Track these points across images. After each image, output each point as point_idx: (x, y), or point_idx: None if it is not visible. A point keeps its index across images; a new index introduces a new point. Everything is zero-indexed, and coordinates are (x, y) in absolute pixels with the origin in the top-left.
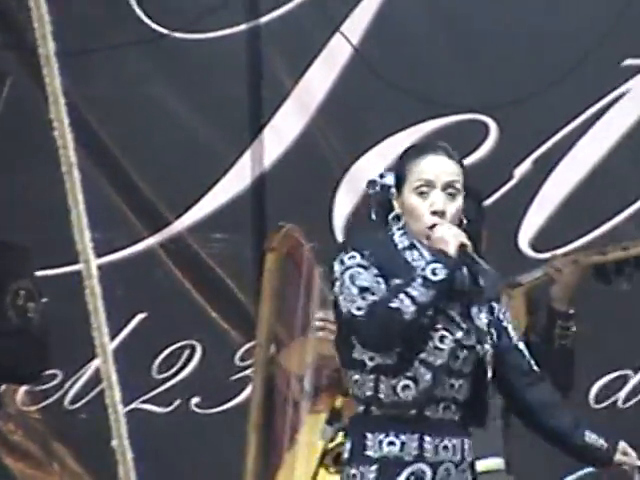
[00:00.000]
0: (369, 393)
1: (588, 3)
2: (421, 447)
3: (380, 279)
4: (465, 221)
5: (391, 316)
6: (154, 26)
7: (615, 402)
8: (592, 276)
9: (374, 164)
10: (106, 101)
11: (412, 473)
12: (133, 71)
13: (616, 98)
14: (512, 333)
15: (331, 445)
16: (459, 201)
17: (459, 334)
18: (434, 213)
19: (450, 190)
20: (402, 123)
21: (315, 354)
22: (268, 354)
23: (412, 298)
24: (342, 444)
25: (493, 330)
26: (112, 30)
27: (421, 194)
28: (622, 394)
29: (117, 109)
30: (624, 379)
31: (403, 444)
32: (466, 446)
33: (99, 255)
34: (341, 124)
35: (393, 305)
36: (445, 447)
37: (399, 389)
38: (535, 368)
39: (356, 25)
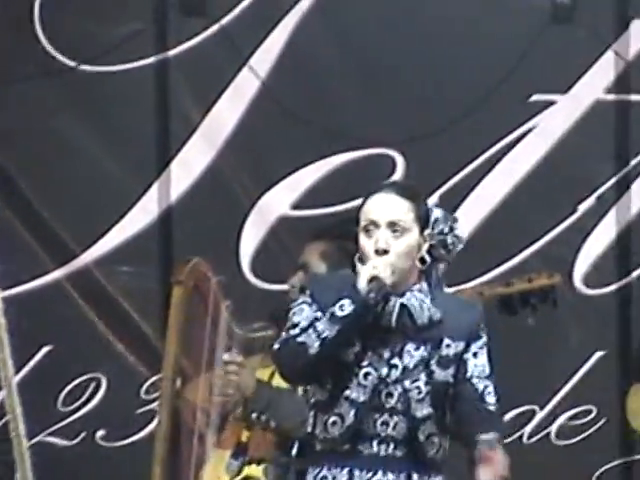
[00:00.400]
0: (309, 429)
1: (496, 39)
2: None
3: (320, 315)
4: (428, 259)
5: (297, 349)
6: (61, 58)
7: (520, 437)
8: (498, 308)
9: (282, 197)
10: (12, 133)
11: None
12: (40, 104)
13: (523, 134)
14: (469, 369)
15: (236, 479)
16: (407, 238)
17: (384, 371)
18: (376, 252)
19: (395, 228)
20: (311, 157)
21: (221, 387)
22: (174, 388)
23: (317, 333)
24: (247, 478)
25: (434, 365)
26: (19, 62)
27: (367, 232)
28: (527, 429)
29: (24, 141)
30: (530, 414)
31: (334, 478)
32: None
33: (4, 287)
34: (249, 157)
35: (299, 339)
36: None
37: (329, 425)
38: (486, 406)
39: (264, 59)
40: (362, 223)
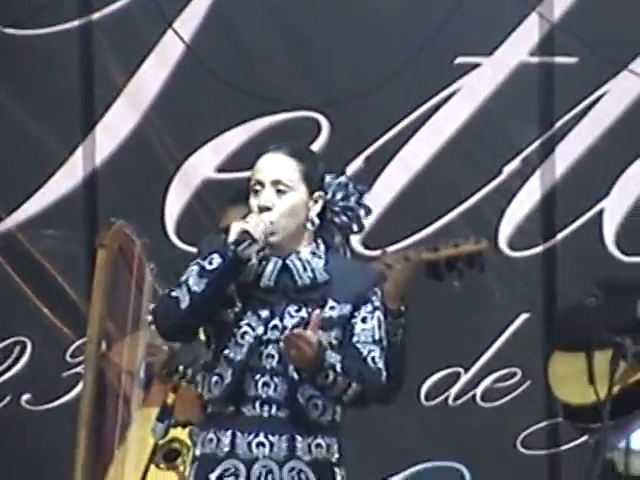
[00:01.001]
0: (199, 389)
1: (421, 1)
2: (233, 443)
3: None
4: (317, 221)
5: (169, 304)
6: None
7: (446, 400)
8: (424, 273)
9: (207, 160)
10: None
11: (226, 470)
12: None
13: (447, 97)
14: (355, 333)
15: (162, 442)
16: (292, 196)
17: (260, 330)
18: (259, 209)
19: (279, 187)
20: (235, 120)
21: (146, 348)
22: (99, 351)
23: (188, 287)
24: (173, 440)
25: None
26: None
27: (255, 192)
28: (453, 391)
29: None
30: (455, 377)
31: (219, 440)
32: (299, 444)
33: None
34: (174, 121)
35: (173, 294)
36: (260, 444)
37: (212, 385)
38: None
39: (188, 21)
40: (251, 184)
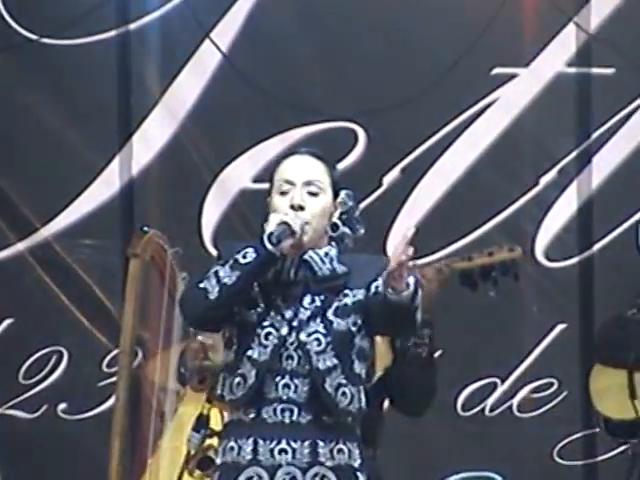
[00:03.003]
0: (219, 391)
1: (458, 12)
2: (255, 451)
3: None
4: (341, 226)
5: (198, 295)
6: (23, 32)
7: (483, 410)
8: (459, 282)
9: (243, 170)
10: None
11: (249, 477)
12: (2, 77)
13: (484, 107)
14: (373, 288)
15: (191, 447)
16: (323, 199)
17: (284, 330)
18: (292, 207)
19: (311, 188)
20: (272, 130)
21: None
22: (131, 361)
23: (218, 279)
24: (206, 448)
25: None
26: None
27: (282, 193)
28: (489, 402)
29: None
30: (492, 387)
31: (240, 448)
32: (321, 450)
33: None
34: (210, 130)
35: (201, 285)
36: (283, 450)
37: (234, 386)
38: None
39: (226, 32)
40: (277, 184)
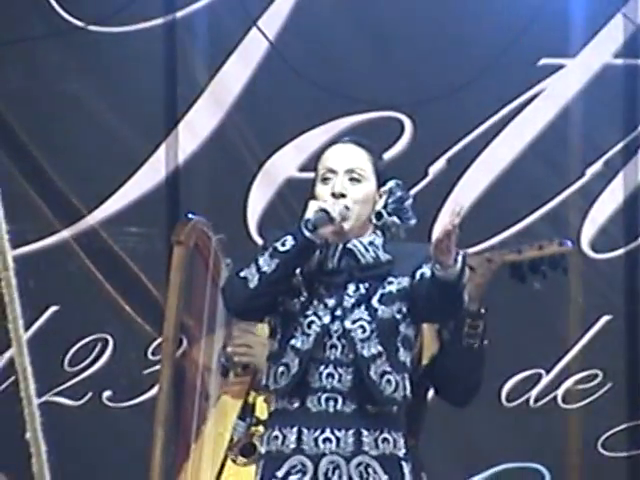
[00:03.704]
0: (264, 381)
1: (505, 2)
2: (299, 440)
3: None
4: (385, 215)
5: (238, 283)
6: (69, 19)
7: (527, 401)
8: (508, 275)
9: (289, 159)
10: (20, 94)
11: (293, 466)
12: (48, 64)
13: (531, 98)
14: (418, 275)
15: (236, 435)
16: (365, 186)
17: (327, 319)
18: (333, 195)
19: (353, 175)
20: (318, 119)
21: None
22: (175, 348)
23: (258, 267)
24: (252, 435)
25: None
26: (26, 22)
27: (325, 180)
28: (534, 393)
29: (31, 102)
30: (537, 378)
31: (284, 437)
32: (365, 439)
33: (13, 247)
34: (256, 119)
35: (242, 274)
36: (327, 439)
37: (278, 375)
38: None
39: (273, 20)
40: (320, 172)
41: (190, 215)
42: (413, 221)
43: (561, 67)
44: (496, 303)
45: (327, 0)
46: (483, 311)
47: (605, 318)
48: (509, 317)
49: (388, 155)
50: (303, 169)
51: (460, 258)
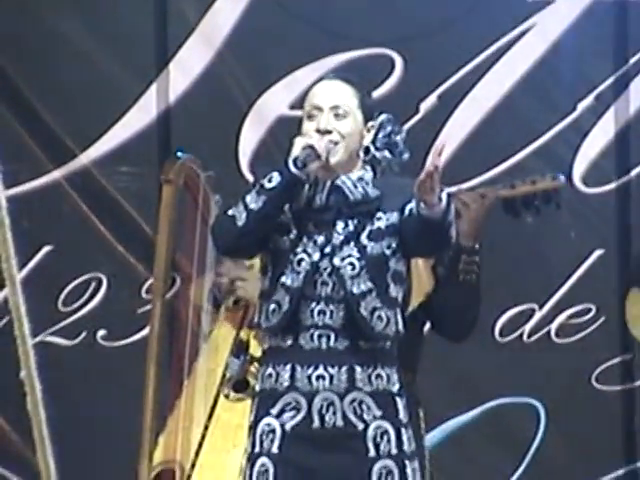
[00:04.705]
0: (256, 319)
1: None
2: (292, 377)
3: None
4: (372, 149)
5: (226, 222)
6: None
7: (520, 336)
8: (500, 209)
9: (280, 97)
10: (10, 35)
11: (287, 404)
12: (38, 3)
13: (521, 34)
14: (407, 210)
15: (229, 372)
16: (351, 121)
17: (316, 256)
18: (318, 131)
19: (338, 111)
20: (309, 57)
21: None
22: (166, 287)
23: (245, 205)
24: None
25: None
26: None
27: (311, 117)
28: (527, 328)
29: (23, 43)
30: (530, 313)
31: (278, 375)
32: (358, 375)
33: (5, 187)
34: (247, 58)
35: (230, 212)
36: (320, 376)
37: (269, 313)
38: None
39: None
40: (306, 109)
41: (179, 153)
42: (406, 155)
43: (551, 2)
44: (488, 238)
45: None
46: (478, 247)
47: (597, 252)
48: (501, 252)
49: (379, 92)
50: (294, 107)
51: (444, 196)
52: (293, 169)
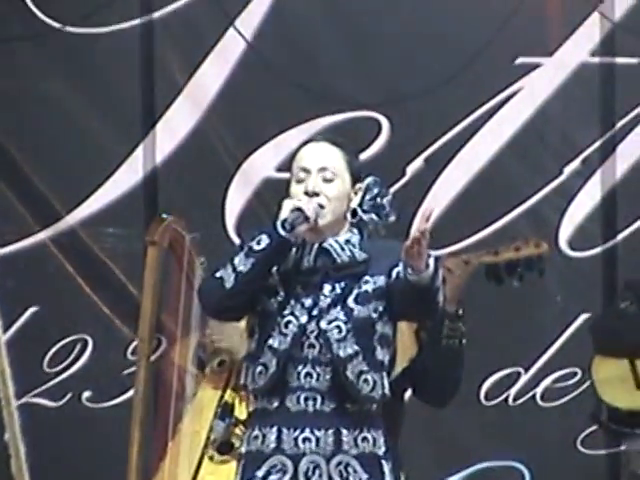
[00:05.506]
0: (242, 380)
1: (482, 1)
2: (279, 440)
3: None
4: (360, 212)
5: (214, 284)
6: (47, 20)
7: (506, 399)
8: (484, 275)
9: (267, 159)
10: None
11: (273, 466)
12: (25, 65)
13: (508, 97)
14: (395, 274)
15: (214, 435)
16: (339, 184)
17: (304, 319)
18: (306, 194)
19: (326, 174)
20: (295, 119)
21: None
22: (150, 348)
23: (233, 267)
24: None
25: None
26: (4, 23)
27: (299, 181)
28: (512, 391)
29: (9, 103)
30: (515, 376)
31: (264, 437)
32: (345, 438)
33: None
34: (234, 119)
35: (218, 274)
36: (307, 439)
37: (256, 375)
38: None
39: (250, 20)
40: (294, 172)
41: (164, 215)
42: (392, 218)
43: (538, 66)
44: (474, 301)
45: (303, 0)
46: (461, 312)
47: (583, 316)
48: (487, 315)
49: (366, 154)
50: (280, 169)
51: (432, 262)
52: (282, 231)
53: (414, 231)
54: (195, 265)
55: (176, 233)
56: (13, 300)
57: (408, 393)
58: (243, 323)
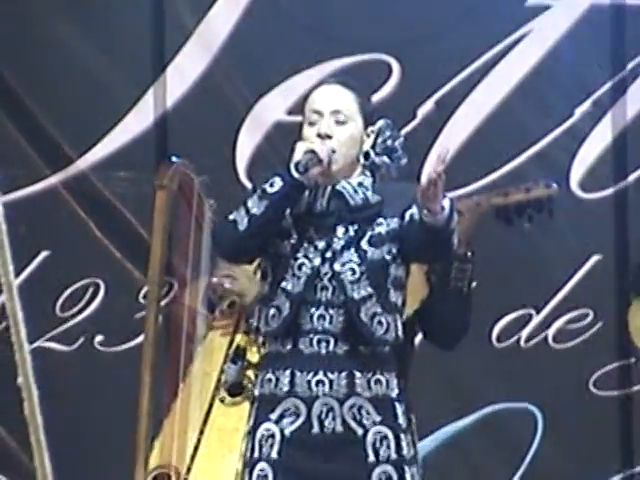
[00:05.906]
0: (255, 323)
1: None
2: (292, 383)
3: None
4: (372, 154)
5: (228, 227)
6: None
7: (518, 341)
8: (494, 217)
9: (277, 102)
10: (7, 39)
11: (286, 409)
12: (36, 10)
13: (518, 39)
14: (407, 216)
15: (226, 377)
16: (351, 127)
17: (317, 261)
18: (319, 136)
19: (339, 117)
20: (306, 62)
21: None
22: (161, 292)
23: (247, 209)
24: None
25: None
26: None
27: (311, 124)
28: (524, 333)
29: (20, 48)
30: (527, 318)
31: (277, 380)
32: (358, 380)
33: (2, 193)
34: (244, 63)
35: (231, 217)
36: (320, 382)
37: (269, 318)
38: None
39: None
40: (306, 115)
41: (173, 158)
42: (404, 160)
43: (548, 7)
44: (486, 244)
45: None
46: (470, 254)
47: (595, 257)
48: (499, 257)
49: (376, 97)
50: (291, 112)
51: (448, 203)
52: (295, 174)
53: (430, 172)
54: (204, 208)
55: (185, 176)
56: (24, 245)
57: (419, 337)
58: (252, 266)
